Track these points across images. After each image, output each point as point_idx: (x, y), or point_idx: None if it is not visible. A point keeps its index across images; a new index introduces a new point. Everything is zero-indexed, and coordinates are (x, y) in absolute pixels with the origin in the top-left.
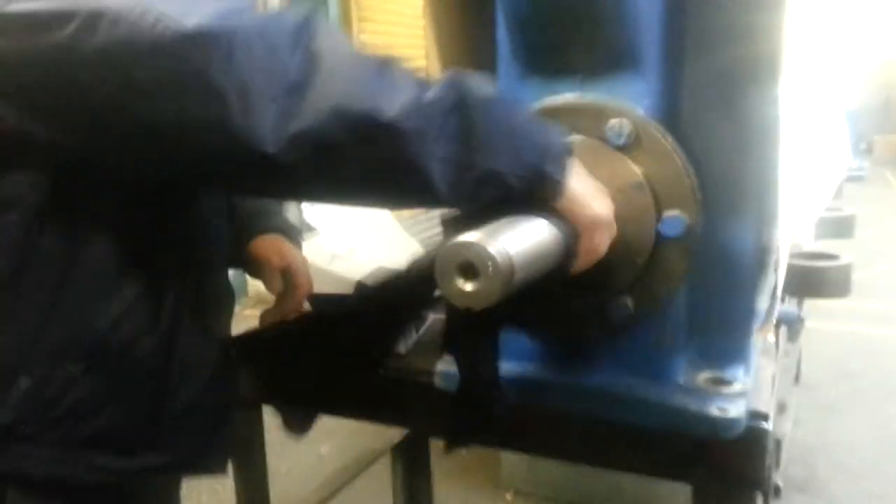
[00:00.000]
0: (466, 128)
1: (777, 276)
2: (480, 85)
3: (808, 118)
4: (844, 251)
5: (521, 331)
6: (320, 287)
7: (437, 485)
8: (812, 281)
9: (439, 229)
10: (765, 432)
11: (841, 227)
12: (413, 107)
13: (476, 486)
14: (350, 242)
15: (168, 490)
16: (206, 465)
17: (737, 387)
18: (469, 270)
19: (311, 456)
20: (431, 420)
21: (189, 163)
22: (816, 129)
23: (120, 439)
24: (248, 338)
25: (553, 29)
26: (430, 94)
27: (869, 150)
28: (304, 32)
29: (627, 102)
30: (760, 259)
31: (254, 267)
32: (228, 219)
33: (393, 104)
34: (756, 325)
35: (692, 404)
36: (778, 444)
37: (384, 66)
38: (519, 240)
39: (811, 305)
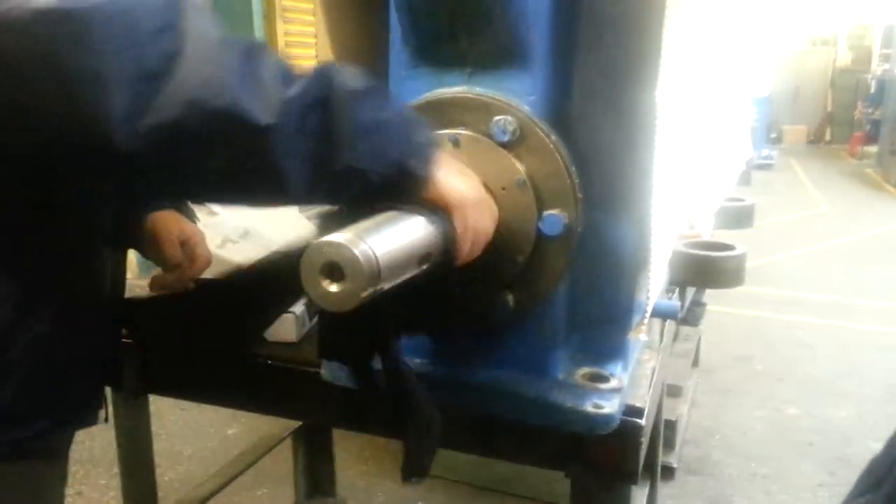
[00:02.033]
0: (328, 124)
1: (651, 274)
2: (350, 78)
3: (708, 111)
4: (747, 239)
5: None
6: (209, 272)
7: (341, 469)
8: (706, 271)
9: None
10: (639, 427)
11: (740, 217)
12: (275, 103)
13: (380, 470)
14: (246, 225)
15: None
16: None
17: (613, 383)
18: (334, 271)
19: (216, 440)
20: (320, 410)
21: (38, 151)
22: (717, 121)
23: None
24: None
25: (442, 16)
26: (294, 90)
27: (778, 139)
28: (169, 16)
29: (514, 98)
30: (640, 256)
31: (150, 244)
32: (109, 201)
33: (254, 100)
34: (635, 322)
35: (568, 401)
36: (673, 426)
37: (251, 56)
38: (388, 239)
39: (715, 291)
